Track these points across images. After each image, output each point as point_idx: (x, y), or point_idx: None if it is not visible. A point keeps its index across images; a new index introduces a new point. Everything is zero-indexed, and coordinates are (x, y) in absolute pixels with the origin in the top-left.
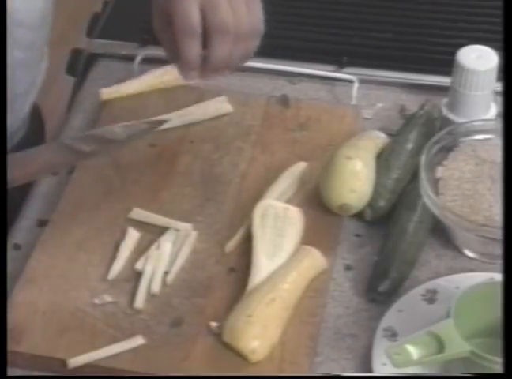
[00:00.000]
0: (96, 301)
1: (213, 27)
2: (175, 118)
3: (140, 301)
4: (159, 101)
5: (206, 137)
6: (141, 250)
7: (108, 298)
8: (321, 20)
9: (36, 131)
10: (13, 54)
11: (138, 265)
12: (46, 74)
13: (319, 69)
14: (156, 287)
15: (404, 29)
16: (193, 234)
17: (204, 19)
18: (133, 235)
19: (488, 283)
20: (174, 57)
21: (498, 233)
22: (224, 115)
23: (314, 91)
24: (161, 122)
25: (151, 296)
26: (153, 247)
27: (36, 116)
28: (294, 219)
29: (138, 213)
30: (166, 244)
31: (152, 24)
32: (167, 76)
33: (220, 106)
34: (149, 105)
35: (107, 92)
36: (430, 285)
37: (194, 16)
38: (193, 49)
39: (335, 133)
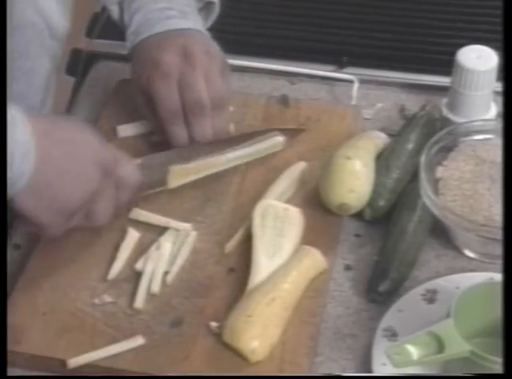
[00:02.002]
0: (96, 301)
1: (190, 105)
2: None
3: (140, 301)
4: None
5: None
6: (141, 250)
7: (108, 298)
8: (321, 20)
9: None
10: (43, 63)
11: (138, 265)
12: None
13: (319, 69)
14: (156, 287)
15: (404, 29)
16: (193, 234)
17: (182, 97)
18: (133, 235)
19: (488, 283)
20: (159, 130)
21: (498, 233)
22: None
23: (314, 91)
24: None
25: (151, 296)
26: (153, 247)
27: None
28: (294, 219)
29: (138, 213)
30: (166, 244)
31: (135, 100)
32: None
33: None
34: None
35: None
36: (430, 285)
37: (175, 100)
38: (180, 133)
39: (335, 133)
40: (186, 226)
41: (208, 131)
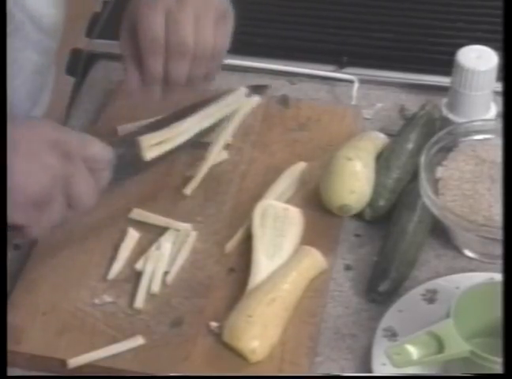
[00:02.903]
0: (96, 301)
1: (172, 45)
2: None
3: (140, 301)
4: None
5: None
6: (141, 250)
7: (108, 298)
8: (321, 20)
9: None
10: (27, 57)
11: (138, 265)
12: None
13: (319, 69)
14: (156, 287)
15: (404, 29)
16: (193, 234)
17: (166, 34)
18: (133, 235)
19: (488, 283)
20: (135, 70)
21: (498, 233)
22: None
23: (314, 91)
24: None
25: (151, 296)
26: (153, 247)
27: None
28: (294, 220)
29: (138, 213)
30: (166, 244)
31: (120, 36)
32: None
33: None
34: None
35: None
36: (430, 285)
37: (158, 30)
38: (156, 64)
39: (335, 133)
40: (186, 226)
41: (183, 76)
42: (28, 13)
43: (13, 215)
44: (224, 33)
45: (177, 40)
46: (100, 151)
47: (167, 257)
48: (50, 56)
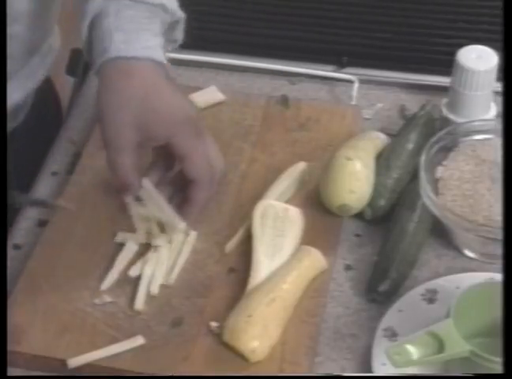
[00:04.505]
0: (96, 301)
1: (198, 174)
2: None
3: (140, 303)
4: None
5: None
6: (139, 252)
7: (108, 298)
8: (321, 20)
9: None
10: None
11: (135, 271)
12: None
13: (319, 69)
14: (155, 289)
15: (404, 29)
16: (193, 234)
17: (185, 163)
18: (131, 248)
19: (488, 283)
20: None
21: (498, 233)
22: (223, 115)
23: (314, 91)
24: None
25: (151, 296)
26: (152, 249)
27: (49, 93)
28: (294, 220)
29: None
30: (161, 248)
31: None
32: None
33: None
34: None
35: None
36: (430, 285)
37: (205, 167)
38: (204, 197)
39: (335, 133)
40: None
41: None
42: None
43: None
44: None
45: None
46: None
47: (165, 260)
48: (29, 48)
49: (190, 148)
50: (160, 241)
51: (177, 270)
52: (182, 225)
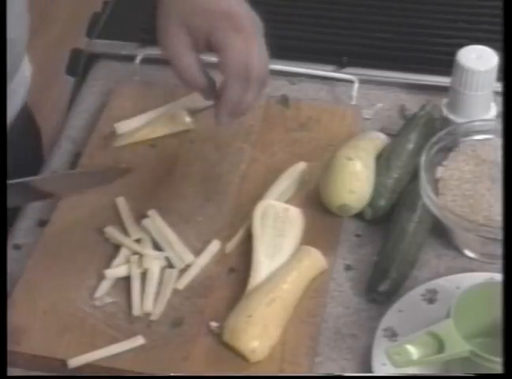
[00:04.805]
0: (96, 302)
1: (231, 71)
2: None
3: (137, 309)
4: (158, 96)
5: (206, 137)
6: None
7: (108, 299)
8: (321, 20)
9: (30, 134)
10: None
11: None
12: (31, 80)
13: (319, 69)
14: (149, 307)
15: (404, 29)
16: (203, 258)
17: (221, 58)
18: (125, 254)
19: (488, 283)
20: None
21: (498, 233)
22: None
23: (314, 91)
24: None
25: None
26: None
27: (29, 120)
28: (294, 220)
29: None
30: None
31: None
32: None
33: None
34: (150, 99)
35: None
36: (430, 285)
37: (253, 60)
38: (240, 92)
39: (335, 133)
40: (188, 257)
41: (254, 104)
42: None
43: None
44: (266, 56)
45: (260, 72)
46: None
47: (155, 280)
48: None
49: (226, 43)
50: (154, 266)
51: (191, 277)
52: (191, 259)
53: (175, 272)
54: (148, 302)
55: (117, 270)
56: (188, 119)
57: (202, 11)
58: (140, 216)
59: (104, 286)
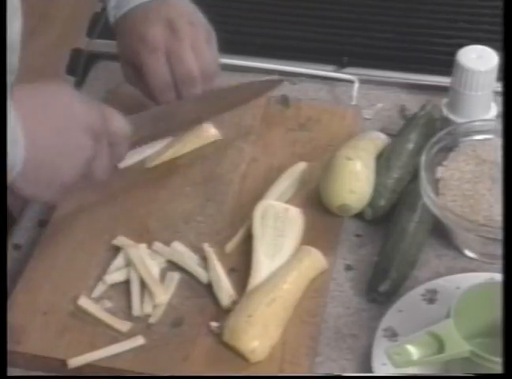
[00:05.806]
0: (96, 301)
1: (181, 78)
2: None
3: (136, 309)
4: None
5: None
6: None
7: (108, 303)
8: (321, 20)
9: None
10: None
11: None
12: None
13: (319, 69)
14: (148, 310)
15: (404, 29)
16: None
17: (171, 69)
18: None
19: (488, 283)
20: (151, 98)
21: (498, 233)
22: (223, 114)
23: (314, 91)
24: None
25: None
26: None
27: None
28: (294, 220)
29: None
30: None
31: (123, 71)
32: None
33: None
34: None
35: None
36: (430, 285)
37: (165, 73)
38: (170, 98)
39: (335, 133)
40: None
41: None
42: None
43: (44, 195)
44: (215, 50)
45: (184, 72)
46: (121, 126)
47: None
48: None
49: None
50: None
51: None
52: (232, 294)
53: (176, 275)
54: (148, 306)
55: (116, 275)
56: (214, 130)
57: (129, 43)
58: (142, 218)
59: (101, 288)
